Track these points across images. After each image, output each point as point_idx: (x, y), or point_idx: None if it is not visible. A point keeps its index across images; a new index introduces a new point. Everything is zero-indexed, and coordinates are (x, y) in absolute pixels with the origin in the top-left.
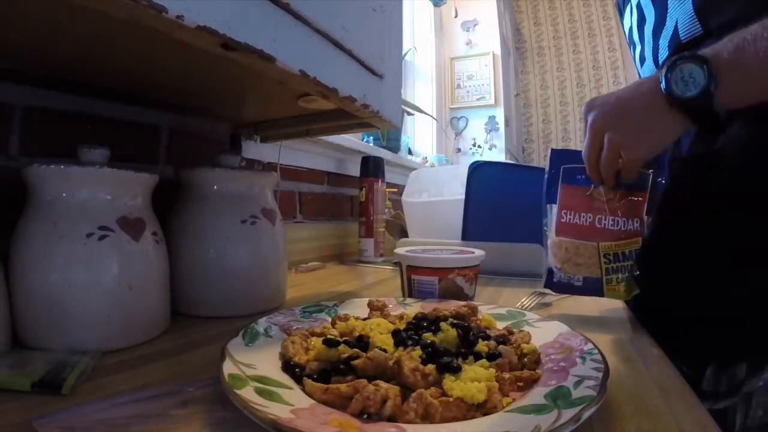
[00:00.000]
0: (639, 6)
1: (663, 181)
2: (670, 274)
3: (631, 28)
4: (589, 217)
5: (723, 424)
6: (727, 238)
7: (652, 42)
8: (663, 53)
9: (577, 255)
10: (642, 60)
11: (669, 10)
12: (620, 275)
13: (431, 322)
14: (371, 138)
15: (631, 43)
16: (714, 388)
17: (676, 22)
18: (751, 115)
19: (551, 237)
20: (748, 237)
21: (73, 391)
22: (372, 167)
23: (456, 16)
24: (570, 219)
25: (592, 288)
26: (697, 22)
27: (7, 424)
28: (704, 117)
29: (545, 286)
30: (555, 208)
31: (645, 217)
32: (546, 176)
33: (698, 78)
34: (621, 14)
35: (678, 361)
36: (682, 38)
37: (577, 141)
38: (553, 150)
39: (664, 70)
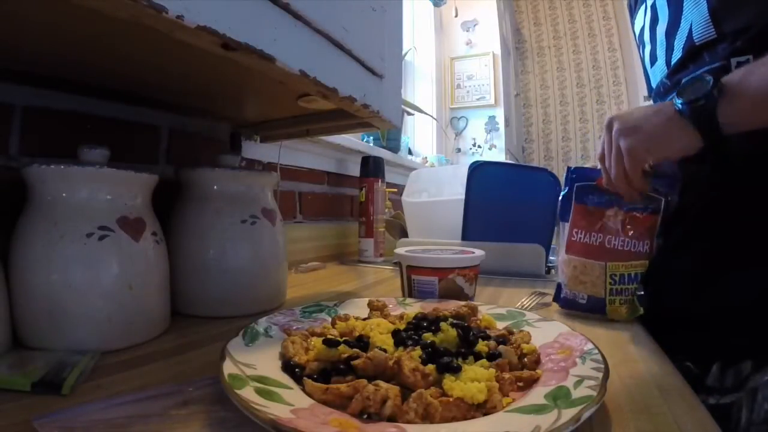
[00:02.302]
0: (654, 6)
1: (670, 199)
2: (674, 275)
3: (642, 28)
4: (600, 237)
5: (728, 419)
6: (729, 240)
7: (665, 42)
8: (677, 54)
9: (584, 273)
10: (653, 60)
11: (684, 12)
12: (623, 297)
13: (431, 322)
14: (371, 138)
15: (641, 43)
16: (719, 384)
17: (691, 24)
18: None
19: (561, 254)
20: (750, 240)
21: (73, 391)
22: (372, 167)
23: (456, 16)
24: (580, 238)
25: (596, 307)
26: (711, 26)
27: (7, 424)
28: (706, 123)
29: (554, 300)
30: (567, 226)
31: (655, 240)
32: (561, 195)
33: (706, 86)
34: (632, 14)
35: (684, 358)
36: (695, 40)
37: (577, 141)
38: (569, 168)
39: (677, 91)
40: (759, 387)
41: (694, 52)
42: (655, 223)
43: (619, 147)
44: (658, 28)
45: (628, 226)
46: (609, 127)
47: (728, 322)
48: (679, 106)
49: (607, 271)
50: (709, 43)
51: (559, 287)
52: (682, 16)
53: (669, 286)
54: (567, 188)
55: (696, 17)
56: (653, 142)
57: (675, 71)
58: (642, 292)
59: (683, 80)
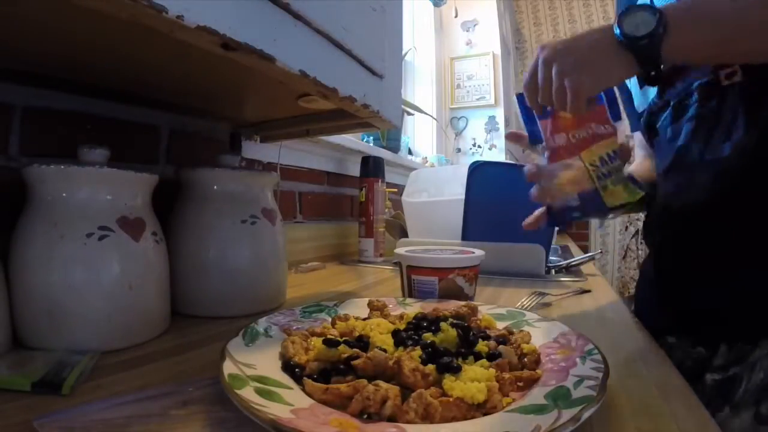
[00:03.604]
0: None
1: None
2: (683, 270)
3: None
4: (563, 137)
5: (731, 391)
6: (731, 240)
7: None
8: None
9: (569, 171)
10: (641, 82)
11: None
12: (613, 177)
13: (431, 322)
14: (371, 138)
15: None
16: (725, 362)
17: None
18: (756, 118)
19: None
20: (752, 239)
21: (73, 391)
22: (372, 167)
23: (456, 16)
24: (554, 143)
25: (592, 202)
26: None
27: (7, 424)
28: (649, 59)
29: (548, 224)
30: (540, 146)
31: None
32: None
33: (650, 22)
34: None
35: (693, 343)
36: None
37: None
38: (518, 95)
39: (618, 16)
40: (757, 360)
41: (678, 67)
42: (604, 109)
43: (553, 75)
44: None
45: (582, 119)
46: (542, 48)
47: (732, 313)
48: (620, 38)
49: (585, 161)
50: None
51: (548, 209)
52: None
53: (677, 281)
54: (523, 115)
55: None
56: (585, 67)
57: (663, 89)
58: (632, 177)
59: (627, 18)
